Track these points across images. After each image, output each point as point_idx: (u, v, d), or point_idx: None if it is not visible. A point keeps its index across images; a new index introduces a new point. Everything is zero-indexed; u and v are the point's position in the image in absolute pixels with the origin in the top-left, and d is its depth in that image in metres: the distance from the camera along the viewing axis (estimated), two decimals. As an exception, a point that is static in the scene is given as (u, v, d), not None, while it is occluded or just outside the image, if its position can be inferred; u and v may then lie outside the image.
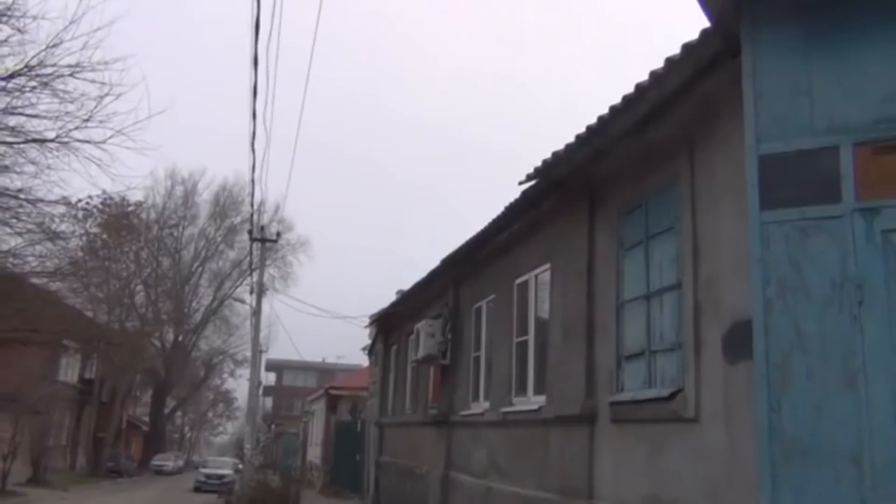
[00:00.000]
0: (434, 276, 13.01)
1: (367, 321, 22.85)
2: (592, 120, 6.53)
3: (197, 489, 32.58)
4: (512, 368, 9.62)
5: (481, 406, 10.73)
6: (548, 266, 8.74)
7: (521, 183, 8.01)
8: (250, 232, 26.62)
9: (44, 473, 29.13)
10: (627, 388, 6.63)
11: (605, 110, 6.31)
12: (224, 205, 53.33)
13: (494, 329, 10.50)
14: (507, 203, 8.95)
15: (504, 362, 9.85)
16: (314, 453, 36.17)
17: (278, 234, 29.82)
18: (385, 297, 21.06)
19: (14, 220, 17.26)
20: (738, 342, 4.94)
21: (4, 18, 16.01)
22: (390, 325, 18.57)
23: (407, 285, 15.53)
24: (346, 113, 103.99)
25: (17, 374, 24.10)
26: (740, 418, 4.92)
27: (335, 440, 27.86)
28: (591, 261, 7.46)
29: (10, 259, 17.96)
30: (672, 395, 5.76)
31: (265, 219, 25.65)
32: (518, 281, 9.73)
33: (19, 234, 17.72)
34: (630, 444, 6.42)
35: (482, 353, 11.11)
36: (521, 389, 9.31)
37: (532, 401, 8.79)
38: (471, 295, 11.77)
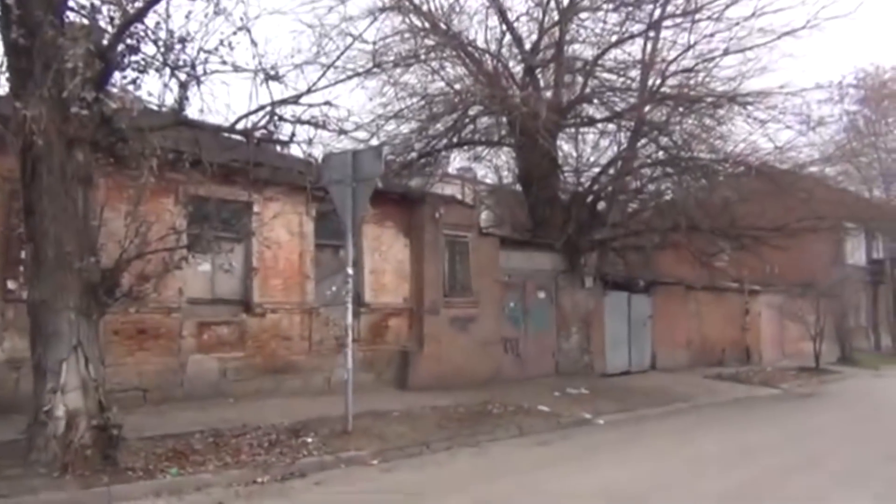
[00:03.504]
0: None
1: None
2: None
3: None
4: None
5: None
6: None
7: None
8: None
9: (850, 353, 29.97)
10: None
11: None
12: None
13: None
14: None
15: None
16: None
17: None
18: None
19: (781, 115, 18.02)
20: None
21: None
22: None
23: None
24: None
25: (811, 260, 25.55)
26: None
27: None
28: None
29: (787, 153, 18.79)
30: None
31: None
32: None
33: (788, 127, 18.39)
34: None
35: None
36: None
37: None
38: None
